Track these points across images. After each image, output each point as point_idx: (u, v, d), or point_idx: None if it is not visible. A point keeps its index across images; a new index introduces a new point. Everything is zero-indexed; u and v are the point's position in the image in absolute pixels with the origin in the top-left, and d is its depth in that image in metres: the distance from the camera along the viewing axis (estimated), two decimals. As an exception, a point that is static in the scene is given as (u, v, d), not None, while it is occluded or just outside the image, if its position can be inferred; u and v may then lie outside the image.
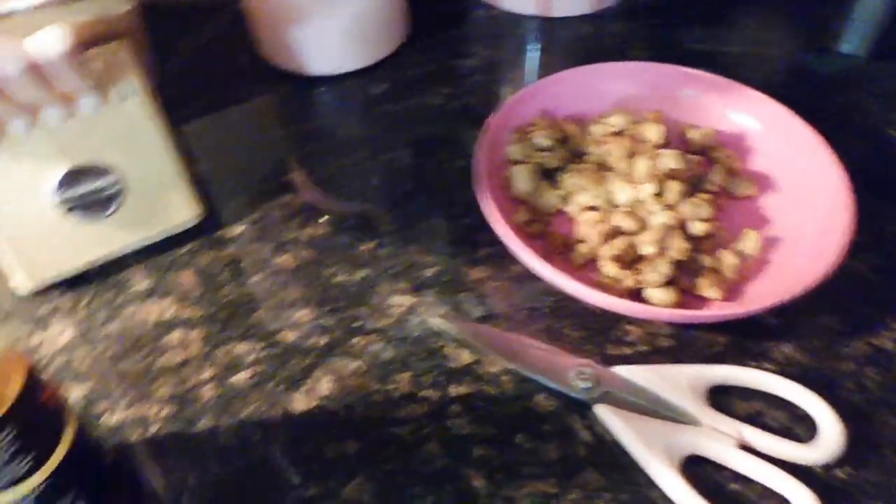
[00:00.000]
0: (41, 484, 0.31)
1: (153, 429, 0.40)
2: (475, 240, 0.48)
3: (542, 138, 0.50)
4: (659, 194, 0.45)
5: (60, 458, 0.31)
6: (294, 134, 0.58)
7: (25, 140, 0.41)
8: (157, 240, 0.48)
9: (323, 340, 0.43)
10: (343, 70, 0.62)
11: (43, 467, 0.30)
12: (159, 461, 0.39)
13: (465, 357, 0.42)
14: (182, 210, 0.48)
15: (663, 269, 0.42)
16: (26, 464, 0.30)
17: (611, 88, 0.53)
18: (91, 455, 0.34)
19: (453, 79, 0.62)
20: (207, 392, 0.41)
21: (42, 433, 0.31)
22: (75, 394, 0.42)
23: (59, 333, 0.45)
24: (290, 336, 0.44)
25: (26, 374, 0.29)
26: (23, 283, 0.46)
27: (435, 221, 0.50)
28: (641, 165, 0.46)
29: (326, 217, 0.50)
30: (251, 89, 0.62)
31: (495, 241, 0.46)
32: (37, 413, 0.30)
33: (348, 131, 0.58)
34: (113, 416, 0.41)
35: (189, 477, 0.38)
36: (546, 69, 0.62)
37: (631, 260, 0.44)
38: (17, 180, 0.42)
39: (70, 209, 0.44)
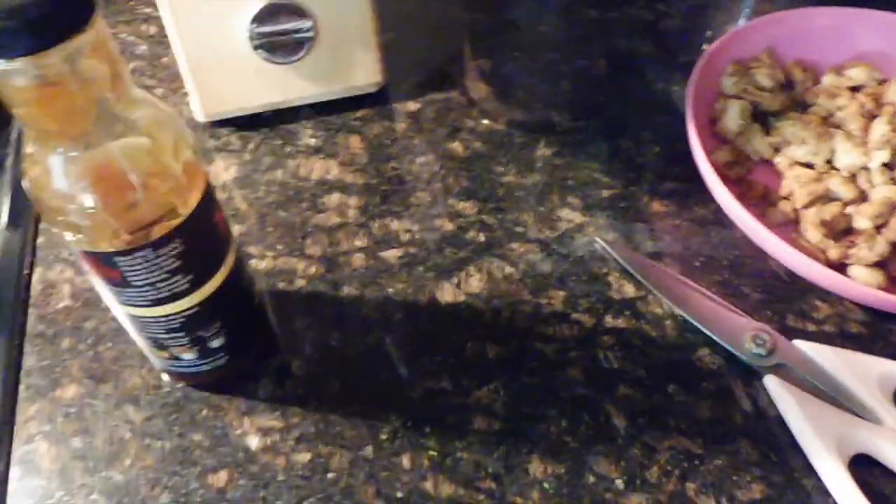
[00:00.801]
0: (193, 306, 0.30)
1: (298, 283, 0.39)
2: (663, 171, 0.44)
3: (764, 77, 0.44)
4: (889, 165, 0.39)
5: (217, 285, 0.31)
6: (486, 22, 0.55)
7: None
8: (335, 97, 0.47)
9: (481, 237, 0.41)
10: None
11: (199, 290, 0.30)
12: (297, 316, 0.38)
13: (629, 290, 0.39)
14: (365, 72, 0.46)
15: (880, 248, 0.37)
16: (184, 283, 0.29)
17: (856, 38, 0.46)
18: (242, 292, 0.34)
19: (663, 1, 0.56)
20: (357, 260, 0.40)
21: (206, 255, 0.30)
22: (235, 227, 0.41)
23: (224, 170, 0.44)
24: (448, 225, 0.42)
25: (205, 189, 0.28)
26: (198, 111, 0.46)
27: (622, 142, 0.46)
28: (878, 130, 0.40)
29: (506, 114, 0.47)
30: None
31: (685, 177, 0.42)
32: (206, 233, 0.29)
33: (544, 30, 0.54)
34: (262, 262, 0.40)
35: (319, 337, 0.37)
36: (777, 6, 0.55)
37: (839, 230, 0.39)
38: (217, 5, 0.41)
39: (259, 46, 0.43)
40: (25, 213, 0.43)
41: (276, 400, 0.35)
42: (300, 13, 0.42)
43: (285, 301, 0.39)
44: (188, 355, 0.32)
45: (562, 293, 0.39)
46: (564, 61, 0.51)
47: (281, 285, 0.39)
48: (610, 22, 0.54)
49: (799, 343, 0.36)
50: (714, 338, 0.36)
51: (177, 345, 0.31)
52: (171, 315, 0.30)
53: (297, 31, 0.42)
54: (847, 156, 0.40)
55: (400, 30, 0.53)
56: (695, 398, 0.35)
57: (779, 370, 0.35)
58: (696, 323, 0.37)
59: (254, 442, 0.34)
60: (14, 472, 0.33)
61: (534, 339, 0.37)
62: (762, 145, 0.42)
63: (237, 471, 0.33)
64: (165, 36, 0.43)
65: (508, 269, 0.40)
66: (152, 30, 0.54)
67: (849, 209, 0.39)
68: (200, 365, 0.33)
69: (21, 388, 0.36)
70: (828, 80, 0.44)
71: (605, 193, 0.43)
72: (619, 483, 0.32)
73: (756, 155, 0.43)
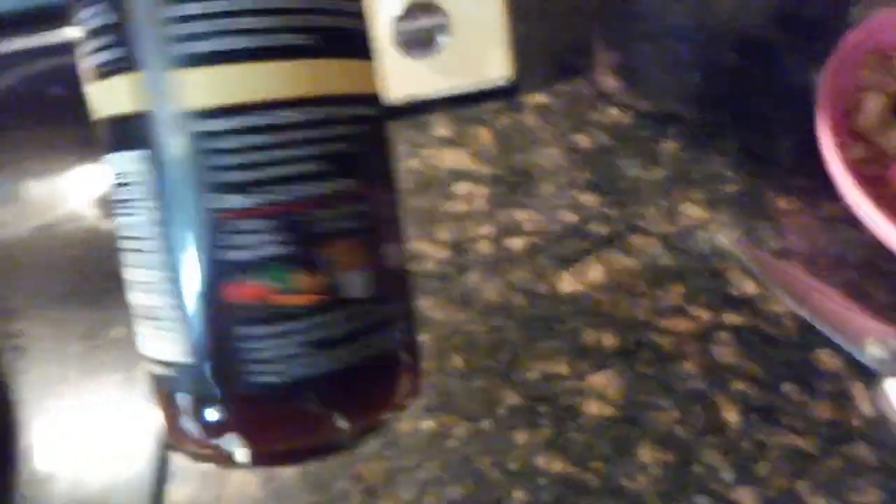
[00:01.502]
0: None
1: (427, 265, 0.42)
2: (792, 166, 0.43)
3: (907, 69, 0.43)
4: None
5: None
6: (615, 13, 0.55)
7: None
8: (466, 91, 0.49)
9: (603, 230, 0.42)
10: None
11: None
12: (425, 296, 0.41)
13: (749, 287, 0.39)
14: (496, 67, 0.48)
15: None
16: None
17: None
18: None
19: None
20: (483, 247, 0.43)
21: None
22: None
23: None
24: (570, 216, 0.43)
25: None
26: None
27: (751, 135, 0.45)
28: None
29: (633, 106, 0.48)
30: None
31: (815, 173, 0.42)
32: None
33: (672, 21, 0.54)
34: (395, 245, 0.43)
35: (444, 316, 0.40)
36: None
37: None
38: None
39: (398, 42, 0.46)
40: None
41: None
42: (436, 11, 0.44)
43: (415, 281, 0.42)
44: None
45: (680, 287, 0.40)
46: (694, 52, 0.51)
47: (411, 266, 0.42)
48: (743, 10, 0.53)
49: (926, 349, 0.35)
50: (835, 339, 0.36)
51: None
52: None
53: (433, 27, 0.45)
54: None
55: (530, 21, 0.54)
56: (811, 398, 0.35)
57: (901, 374, 0.35)
58: (817, 323, 0.37)
59: (384, 410, 0.37)
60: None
61: (650, 331, 0.38)
62: (900, 141, 0.41)
63: (369, 435, 0.37)
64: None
65: (628, 261, 0.41)
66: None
67: None
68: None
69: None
70: (980, 73, 0.42)
71: (730, 189, 0.43)
72: (727, 475, 0.33)
73: (894, 151, 0.41)
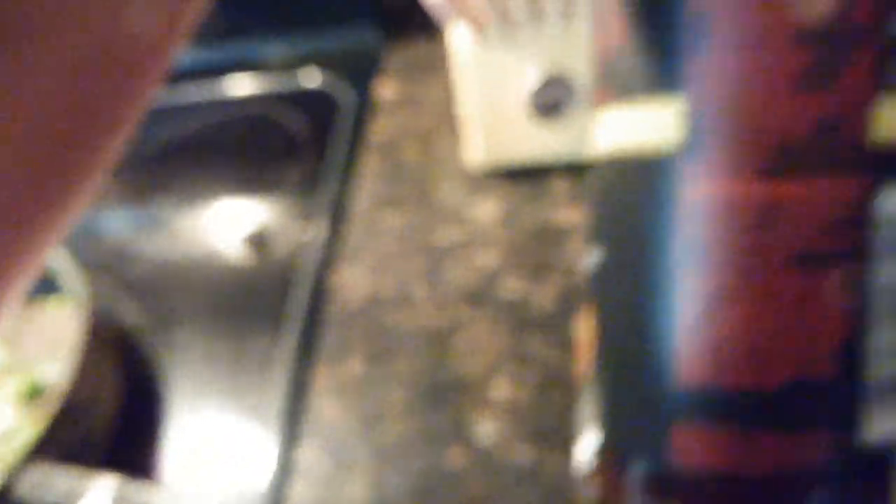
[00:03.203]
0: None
1: (534, 304, 0.46)
2: None
3: None
4: None
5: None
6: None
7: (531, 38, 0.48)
8: (581, 157, 0.54)
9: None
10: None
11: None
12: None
13: None
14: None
15: None
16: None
17: None
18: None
19: None
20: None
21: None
22: (495, 259, 0.50)
23: (492, 208, 0.53)
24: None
25: None
26: (478, 158, 0.55)
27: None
28: None
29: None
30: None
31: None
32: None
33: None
34: (510, 282, 0.48)
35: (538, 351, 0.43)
36: None
37: None
38: (501, 71, 0.50)
39: (533, 111, 0.51)
40: (333, 226, 0.55)
41: (509, 403, 0.42)
42: (567, 84, 0.50)
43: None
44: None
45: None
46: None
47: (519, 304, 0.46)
48: None
49: None
50: None
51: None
52: None
53: (563, 99, 0.50)
54: None
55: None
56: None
57: None
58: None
59: (486, 435, 0.41)
60: (306, 420, 0.43)
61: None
62: None
63: (471, 454, 0.40)
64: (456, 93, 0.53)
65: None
66: (446, 87, 0.65)
67: None
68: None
69: (318, 358, 0.46)
70: None
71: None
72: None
73: None
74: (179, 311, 0.54)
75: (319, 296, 0.51)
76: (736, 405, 0.13)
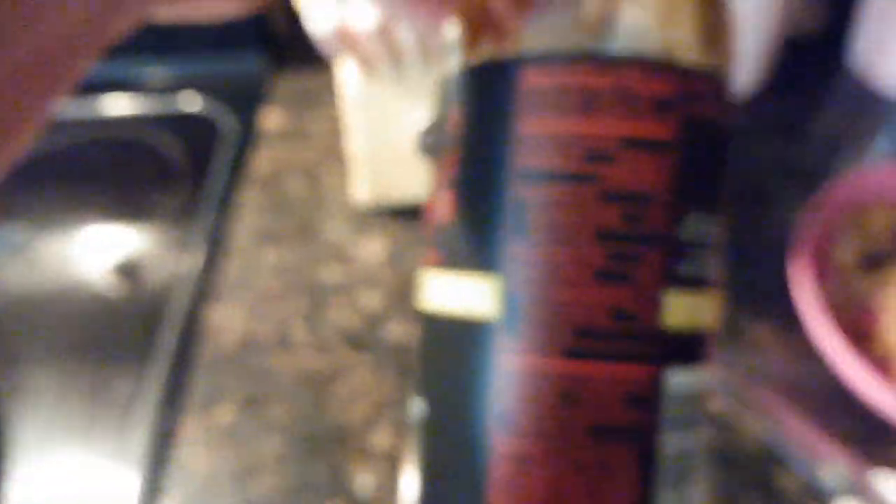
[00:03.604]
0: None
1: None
2: (768, 299, 0.47)
3: (879, 220, 0.47)
4: None
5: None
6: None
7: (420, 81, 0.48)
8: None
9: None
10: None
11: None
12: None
13: (718, 405, 0.42)
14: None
15: (972, 399, 0.38)
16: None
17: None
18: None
19: (797, 138, 0.60)
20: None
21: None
22: (379, 299, 0.48)
23: (380, 248, 0.52)
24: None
25: None
26: (364, 195, 0.54)
27: (732, 268, 0.49)
28: (984, 286, 0.42)
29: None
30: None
31: (790, 307, 0.45)
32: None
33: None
34: (398, 327, 0.47)
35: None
36: (903, 157, 0.58)
37: (935, 377, 0.40)
38: (392, 109, 0.50)
39: (422, 150, 0.51)
40: (210, 260, 0.52)
41: (392, 453, 0.41)
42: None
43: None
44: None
45: (656, 396, 0.42)
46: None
47: (403, 349, 0.45)
48: (737, 157, 0.58)
49: (878, 475, 0.37)
50: (796, 459, 0.39)
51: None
52: None
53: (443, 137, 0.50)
54: (951, 307, 0.42)
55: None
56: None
57: (853, 498, 0.37)
58: (781, 443, 0.39)
59: (366, 486, 0.39)
60: (170, 470, 0.40)
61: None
62: (868, 285, 0.45)
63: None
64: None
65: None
66: (334, 121, 0.63)
67: (948, 358, 0.41)
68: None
69: (187, 403, 0.44)
70: (942, 233, 0.47)
71: (710, 312, 0.47)
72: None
73: (860, 295, 0.45)
74: (32, 347, 0.49)
75: (191, 334, 0.48)
76: None
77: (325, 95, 0.66)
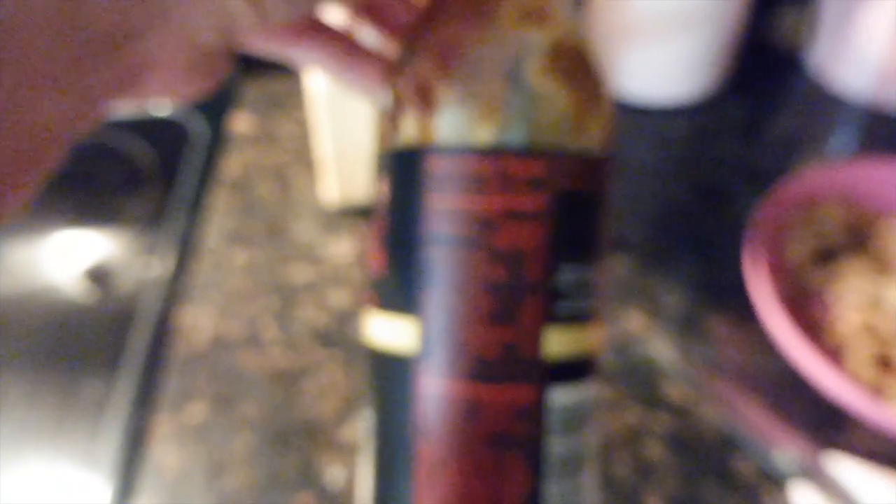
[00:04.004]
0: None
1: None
2: (726, 292, 0.49)
3: (830, 217, 0.49)
4: (937, 311, 0.43)
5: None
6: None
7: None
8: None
9: (553, 330, 0.47)
10: (650, 103, 0.64)
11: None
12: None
13: (676, 394, 0.43)
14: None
15: (916, 384, 0.40)
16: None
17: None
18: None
19: (756, 138, 0.62)
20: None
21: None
22: (348, 298, 0.49)
23: (347, 246, 0.53)
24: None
25: None
26: (333, 196, 0.55)
27: (692, 262, 0.51)
28: (928, 276, 0.44)
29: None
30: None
31: (745, 300, 0.47)
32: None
33: (638, 158, 0.61)
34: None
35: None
36: (855, 156, 0.60)
37: (883, 363, 0.42)
38: (363, 110, 0.51)
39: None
40: (181, 262, 0.53)
41: (359, 446, 0.42)
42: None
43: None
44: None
45: (618, 387, 0.44)
46: (651, 187, 0.57)
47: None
48: (698, 156, 0.60)
49: (829, 459, 0.39)
50: (752, 446, 0.40)
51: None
52: None
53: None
54: (897, 297, 0.44)
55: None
56: (726, 494, 0.39)
57: (806, 481, 0.38)
58: (737, 430, 0.41)
59: (337, 477, 0.40)
60: (143, 470, 0.41)
61: (587, 424, 0.42)
62: (819, 279, 0.47)
63: (321, 499, 0.39)
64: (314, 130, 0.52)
65: (573, 361, 0.45)
66: (303, 124, 0.64)
67: (893, 345, 0.42)
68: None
69: (158, 402, 0.44)
70: (891, 226, 0.49)
71: (669, 303, 0.48)
72: (645, 559, 0.36)
73: (813, 287, 0.47)
74: (1, 352, 0.49)
75: (162, 335, 0.48)
76: None
77: (293, 99, 0.67)
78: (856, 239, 0.49)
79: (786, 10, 0.77)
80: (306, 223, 0.55)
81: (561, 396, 0.20)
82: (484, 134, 0.20)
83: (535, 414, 0.20)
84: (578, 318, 0.21)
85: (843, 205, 0.50)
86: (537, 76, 0.20)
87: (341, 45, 0.26)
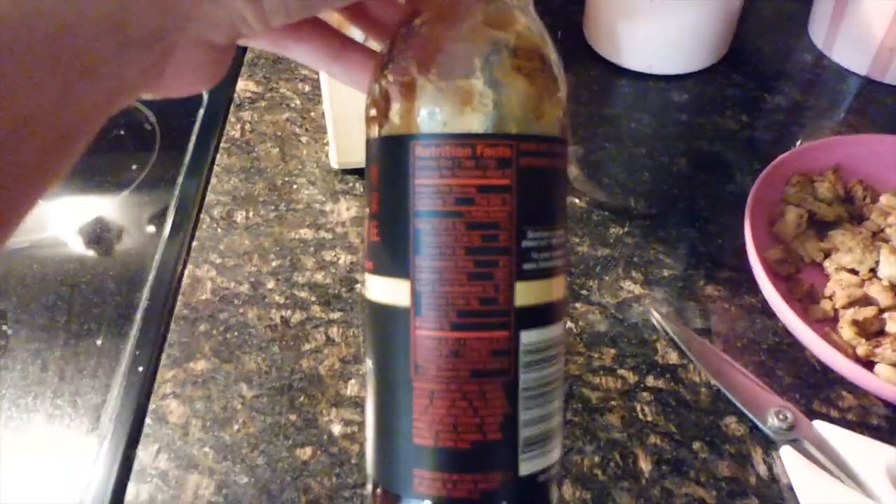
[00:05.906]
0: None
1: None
2: (721, 260, 0.49)
3: (825, 189, 0.49)
4: (928, 282, 0.44)
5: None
6: (587, 114, 0.62)
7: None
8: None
9: (551, 294, 0.48)
10: (651, 71, 0.65)
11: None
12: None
13: (673, 357, 0.44)
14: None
15: (904, 351, 0.41)
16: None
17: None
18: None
19: (755, 109, 0.62)
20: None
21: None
22: (348, 258, 0.50)
23: (346, 209, 0.53)
24: (524, 280, 0.48)
25: None
26: (334, 159, 0.55)
27: (688, 231, 0.52)
28: (920, 248, 0.44)
29: (589, 195, 0.54)
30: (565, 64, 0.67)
31: (740, 268, 0.48)
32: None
33: (636, 126, 0.61)
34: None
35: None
36: (853, 130, 0.60)
37: (872, 331, 0.43)
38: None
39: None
40: (184, 222, 0.53)
41: (360, 399, 0.42)
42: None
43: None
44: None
45: (612, 351, 0.45)
46: (650, 156, 0.58)
47: (377, 308, 0.47)
48: (697, 126, 0.61)
49: (818, 424, 0.40)
50: (742, 408, 0.41)
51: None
52: None
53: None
54: (889, 267, 0.45)
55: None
56: (716, 457, 0.40)
57: (796, 444, 0.39)
58: (728, 393, 0.42)
59: (336, 429, 0.41)
60: (148, 421, 0.42)
61: (581, 385, 0.43)
62: (813, 249, 0.47)
63: (320, 449, 0.40)
64: (316, 93, 0.53)
65: (570, 325, 0.46)
66: (306, 88, 0.64)
67: (885, 315, 0.43)
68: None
69: (163, 357, 0.45)
70: (884, 200, 0.49)
71: (666, 273, 0.49)
72: (635, 514, 0.38)
73: (807, 257, 0.47)
74: (8, 308, 0.50)
75: (167, 292, 0.49)
76: (447, 455, 0.24)
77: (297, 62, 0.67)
78: (850, 212, 0.50)
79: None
80: (309, 185, 0.55)
81: (531, 337, 0.24)
82: (459, 122, 0.23)
83: (509, 352, 0.24)
84: (544, 274, 0.24)
85: (839, 177, 0.51)
86: (504, 72, 0.24)
87: (333, 41, 0.29)
